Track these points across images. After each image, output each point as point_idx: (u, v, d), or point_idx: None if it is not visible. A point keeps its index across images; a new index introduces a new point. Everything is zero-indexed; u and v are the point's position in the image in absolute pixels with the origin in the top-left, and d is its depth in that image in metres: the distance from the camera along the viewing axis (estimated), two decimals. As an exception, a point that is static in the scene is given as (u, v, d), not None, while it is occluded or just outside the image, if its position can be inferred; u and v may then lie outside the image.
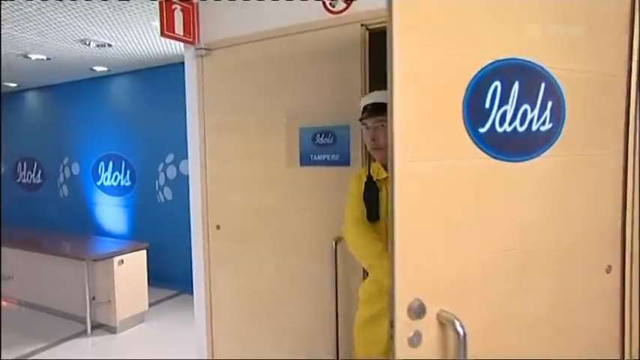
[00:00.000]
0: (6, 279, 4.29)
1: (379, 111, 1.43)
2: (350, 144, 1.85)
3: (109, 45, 3.45)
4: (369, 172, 1.55)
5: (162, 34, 2.38)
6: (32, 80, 4.86)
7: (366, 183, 1.53)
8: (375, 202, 1.49)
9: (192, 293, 2.43)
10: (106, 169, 4.67)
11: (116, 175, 4.58)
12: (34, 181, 5.47)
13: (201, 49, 2.39)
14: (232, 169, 2.31)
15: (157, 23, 2.97)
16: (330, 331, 1.87)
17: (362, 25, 1.79)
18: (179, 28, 2.43)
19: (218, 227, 2.29)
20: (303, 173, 2.00)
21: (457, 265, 1.05)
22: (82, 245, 3.88)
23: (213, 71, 2.39)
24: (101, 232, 4.68)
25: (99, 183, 4.76)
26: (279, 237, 2.11)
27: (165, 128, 4.24)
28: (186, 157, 3.99)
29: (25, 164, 5.51)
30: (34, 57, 3.74)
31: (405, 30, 0.93)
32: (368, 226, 1.50)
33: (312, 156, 1.95)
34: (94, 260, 3.29)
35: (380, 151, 1.48)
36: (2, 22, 2.92)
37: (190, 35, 2.46)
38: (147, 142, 4.43)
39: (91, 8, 2.71)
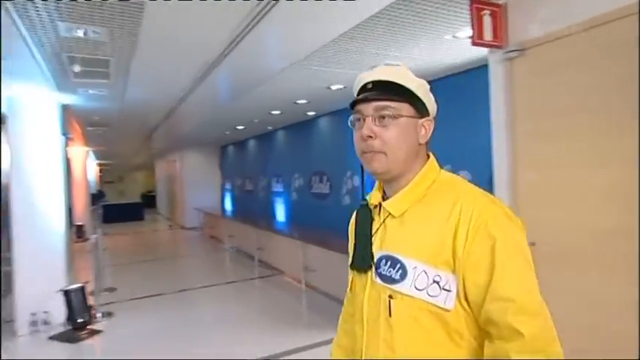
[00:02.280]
0: (310, 271, 5.27)
1: (385, 93, 0.91)
2: None
3: (397, 65, 3.71)
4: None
5: (473, 43, 2.33)
6: (327, 107, 5.84)
7: (357, 212, 1.03)
8: (363, 240, 0.97)
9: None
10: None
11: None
12: (323, 191, 6.56)
13: (512, 50, 2.20)
14: (556, 180, 2.00)
15: (449, 36, 2.99)
16: None
17: None
18: (488, 34, 2.33)
19: (533, 244, 2.02)
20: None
21: None
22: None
23: (528, 72, 2.15)
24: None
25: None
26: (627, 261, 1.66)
27: (442, 141, 4.25)
28: (463, 168, 3.85)
29: (317, 177, 6.70)
30: (334, 87, 4.45)
31: None
32: (350, 299, 1.09)
33: None
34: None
35: (376, 159, 0.91)
36: (315, 61, 3.52)
37: (499, 39, 2.32)
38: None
39: (385, 34, 2.94)
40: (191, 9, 2.46)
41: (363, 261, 0.95)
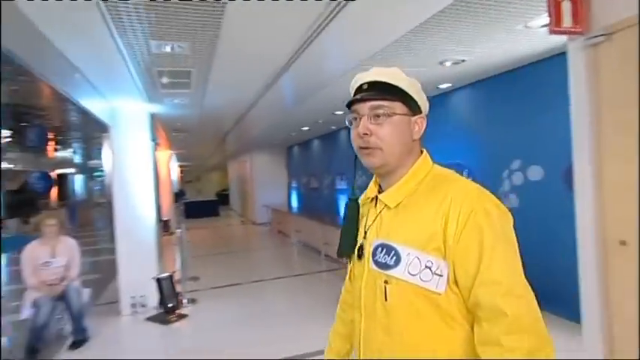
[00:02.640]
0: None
1: (379, 93, 0.98)
2: None
3: (463, 61, 3.69)
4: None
5: (551, 31, 2.21)
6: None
7: (347, 204, 1.11)
8: (347, 231, 1.08)
9: (574, 321, 2.12)
10: (449, 177, 5.04)
11: (459, 183, 4.86)
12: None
13: (597, 36, 2.03)
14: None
15: (520, 26, 2.93)
16: None
17: None
18: (567, 20, 2.20)
19: (623, 243, 1.92)
20: None
21: None
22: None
23: (615, 58, 1.98)
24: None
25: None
26: None
27: (512, 135, 4.14)
28: (534, 162, 3.72)
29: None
30: (397, 86, 4.51)
31: None
32: (349, 276, 1.16)
33: None
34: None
35: (373, 154, 0.99)
36: (380, 59, 3.63)
37: (579, 25, 2.18)
38: (489, 150, 4.47)
39: (453, 29, 2.95)
40: (263, 20, 2.71)
41: (343, 248, 1.08)
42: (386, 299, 0.94)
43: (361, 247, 1.03)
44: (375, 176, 1.07)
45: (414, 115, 1.00)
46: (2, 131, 9.07)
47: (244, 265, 7.59)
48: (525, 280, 0.87)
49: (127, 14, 2.49)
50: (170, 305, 4.69)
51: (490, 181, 4.44)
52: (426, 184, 0.98)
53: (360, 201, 1.10)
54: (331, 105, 5.75)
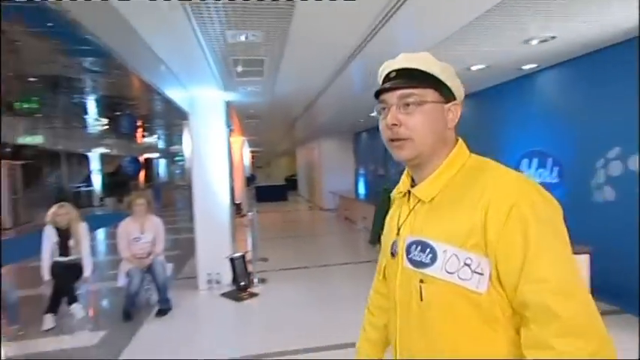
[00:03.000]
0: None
1: (408, 80, 0.91)
2: None
3: (553, 38, 3.35)
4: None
5: None
6: (465, 89, 5.57)
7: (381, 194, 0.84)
8: (377, 221, 0.77)
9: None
10: (529, 167, 4.67)
11: (540, 172, 4.49)
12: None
13: None
14: None
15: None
16: None
17: None
18: None
19: None
20: None
21: None
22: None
23: None
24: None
25: (521, 179, 4.85)
26: None
27: (609, 120, 3.71)
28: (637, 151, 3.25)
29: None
30: (474, 68, 4.25)
31: None
32: (378, 276, 1.17)
33: None
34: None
35: (403, 146, 0.91)
36: (453, 43, 3.42)
37: None
38: (580, 137, 4.05)
39: (540, 3, 2.68)
40: (334, 6, 2.69)
41: (373, 238, 1.06)
42: (421, 299, 0.88)
43: (394, 244, 0.97)
44: (406, 169, 1.00)
45: (448, 102, 0.93)
46: (101, 119, 10.16)
47: (311, 250, 7.79)
48: (580, 277, 0.78)
49: (206, 7, 2.62)
50: (242, 284, 4.98)
51: (580, 172, 4.04)
52: (463, 176, 0.90)
53: (392, 195, 1.04)
54: (401, 90, 5.58)
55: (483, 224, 0.81)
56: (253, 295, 4.90)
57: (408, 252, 0.92)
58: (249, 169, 19.21)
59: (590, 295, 0.77)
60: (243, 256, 5.14)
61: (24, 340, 3.80)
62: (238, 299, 4.77)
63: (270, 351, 3.35)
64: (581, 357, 0.72)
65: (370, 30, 3.14)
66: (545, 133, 4.47)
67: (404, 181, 1.01)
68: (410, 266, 0.91)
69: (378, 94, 0.96)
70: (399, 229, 0.97)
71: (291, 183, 21.69)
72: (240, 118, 8.12)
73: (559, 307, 0.74)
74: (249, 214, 6.34)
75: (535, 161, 4.60)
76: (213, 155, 5.29)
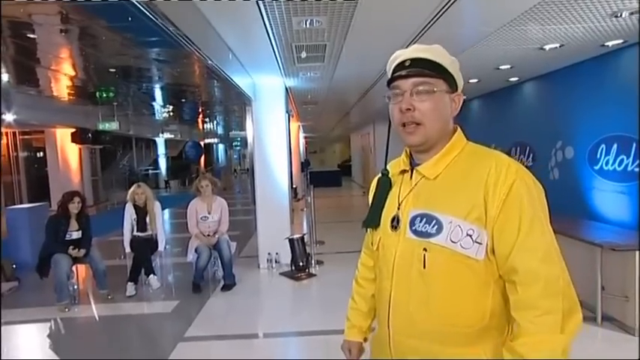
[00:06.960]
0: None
1: (422, 69, 1.01)
2: None
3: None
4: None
5: None
6: (531, 71, 5.26)
7: (379, 180, 1.16)
8: (377, 204, 1.12)
9: None
10: (608, 153, 4.33)
11: (622, 159, 4.14)
12: (525, 164, 6.00)
13: None
14: None
15: None
16: None
17: None
18: None
19: None
20: None
21: None
22: (587, 230, 3.83)
23: None
24: (597, 219, 4.43)
25: (597, 167, 4.51)
26: None
27: None
28: None
29: (518, 149, 6.16)
30: (548, 47, 3.98)
31: None
32: (366, 251, 1.30)
33: None
34: (613, 250, 3.12)
35: (414, 132, 1.02)
36: (526, 21, 3.24)
37: None
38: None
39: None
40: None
41: (372, 220, 1.12)
42: (424, 267, 0.98)
43: (395, 218, 1.06)
44: (405, 150, 1.12)
45: (453, 92, 1.06)
46: (167, 107, 10.82)
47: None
48: (558, 250, 0.92)
49: (275, -6, 2.70)
50: (300, 264, 5.15)
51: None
52: (463, 159, 1.03)
53: (391, 177, 1.14)
54: (464, 73, 5.27)
55: (485, 200, 0.94)
56: (311, 275, 5.07)
57: (412, 224, 1.02)
58: (304, 154, 19.51)
59: (564, 263, 0.92)
60: (302, 238, 5.31)
61: (113, 303, 4.28)
62: (297, 279, 4.96)
63: (326, 329, 3.48)
64: (559, 314, 0.86)
65: (437, 11, 3.06)
66: (628, 116, 4.09)
67: (404, 160, 1.13)
68: (413, 237, 1.01)
69: (391, 81, 1.05)
70: (399, 204, 1.06)
71: (345, 168, 21.75)
72: (297, 103, 8.26)
73: (544, 272, 0.89)
74: (306, 198, 6.49)
75: (614, 148, 4.24)
76: (274, 140, 5.47)
